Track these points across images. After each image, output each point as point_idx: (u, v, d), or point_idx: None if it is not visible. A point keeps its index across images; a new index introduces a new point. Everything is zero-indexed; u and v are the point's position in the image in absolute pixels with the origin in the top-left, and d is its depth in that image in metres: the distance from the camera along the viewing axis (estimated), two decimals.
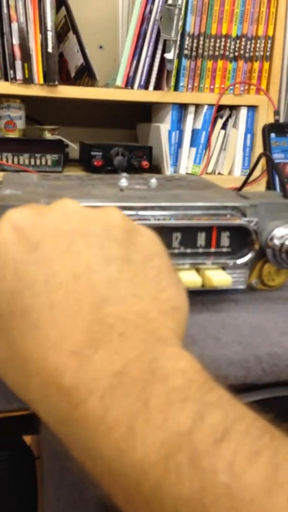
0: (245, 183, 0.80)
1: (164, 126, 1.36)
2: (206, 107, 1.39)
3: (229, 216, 0.41)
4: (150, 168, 1.35)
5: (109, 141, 1.43)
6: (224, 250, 0.41)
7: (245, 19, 1.36)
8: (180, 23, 1.31)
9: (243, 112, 1.42)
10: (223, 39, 1.37)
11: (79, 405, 0.22)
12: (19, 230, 0.27)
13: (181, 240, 0.41)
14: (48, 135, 1.37)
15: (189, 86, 1.39)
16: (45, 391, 0.23)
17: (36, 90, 1.29)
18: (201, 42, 1.36)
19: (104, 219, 0.28)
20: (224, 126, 1.44)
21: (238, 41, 1.38)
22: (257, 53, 1.40)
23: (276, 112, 0.72)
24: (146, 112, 1.58)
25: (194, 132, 1.43)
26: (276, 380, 0.34)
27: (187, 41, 1.35)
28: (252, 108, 1.42)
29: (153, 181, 0.53)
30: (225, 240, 0.41)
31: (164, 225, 0.40)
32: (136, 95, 1.35)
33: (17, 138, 1.35)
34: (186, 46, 1.35)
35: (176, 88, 1.38)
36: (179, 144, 1.43)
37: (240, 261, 0.41)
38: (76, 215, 0.28)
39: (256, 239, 0.41)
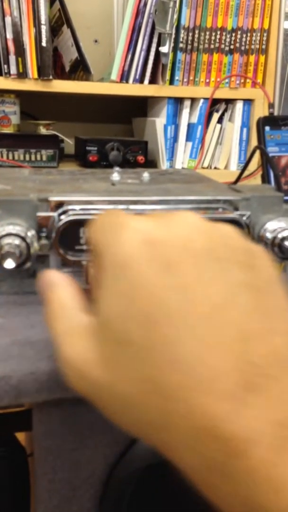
0: (240, 176, 0.80)
1: (160, 121, 1.36)
2: (202, 101, 1.38)
3: (221, 210, 0.41)
4: (146, 163, 1.34)
5: (104, 136, 1.42)
6: None
7: (240, 11, 1.35)
8: (175, 16, 1.30)
9: (239, 106, 1.42)
10: (218, 32, 1.36)
11: (240, 456, 0.20)
12: (152, 245, 0.24)
13: None
14: (43, 130, 1.36)
15: (185, 79, 1.38)
16: (195, 436, 0.21)
17: (30, 85, 1.28)
18: (196, 35, 1.35)
19: (225, 237, 0.26)
20: (220, 120, 1.43)
21: (233, 34, 1.37)
22: (252, 46, 1.39)
23: (271, 105, 0.71)
24: (141, 107, 1.57)
25: (190, 126, 1.42)
26: None
27: (182, 34, 1.34)
28: (248, 102, 1.42)
29: (146, 175, 0.52)
30: None
31: None
32: (131, 89, 1.34)
33: (12, 133, 1.34)
34: (181, 40, 1.34)
35: (171, 82, 1.37)
36: (175, 138, 1.42)
37: None
38: (200, 231, 0.25)
39: (248, 233, 0.41)
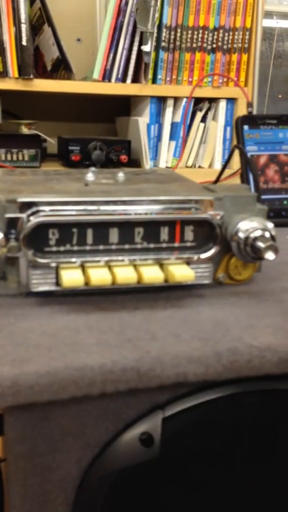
0: (219, 176, 0.80)
1: (143, 120, 1.35)
2: (185, 100, 1.38)
3: (193, 210, 0.40)
4: (129, 162, 1.33)
5: (87, 136, 1.41)
6: (189, 244, 0.41)
7: (222, 10, 1.35)
8: (157, 15, 1.29)
9: (222, 104, 1.42)
10: (200, 31, 1.36)
11: None
12: None
13: (144, 235, 0.40)
14: (25, 130, 1.35)
15: (167, 78, 1.37)
16: None
17: (11, 84, 1.27)
18: (178, 34, 1.34)
19: None
20: (203, 119, 1.43)
21: (215, 33, 1.37)
22: (235, 45, 1.39)
23: (249, 104, 0.71)
24: (125, 106, 1.56)
25: (174, 125, 1.42)
26: (236, 376, 0.33)
27: (164, 33, 1.33)
28: (231, 101, 1.42)
29: (120, 175, 0.52)
30: (189, 234, 0.41)
31: (125, 220, 0.39)
32: (113, 88, 1.34)
33: None
34: (163, 38, 1.34)
35: (154, 81, 1.37)
36: (159, 137, 1.42)
37: (204, 255, 0.40)
38: None
39: (220, 233, 0.40)
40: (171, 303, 0.40)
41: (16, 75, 1.26)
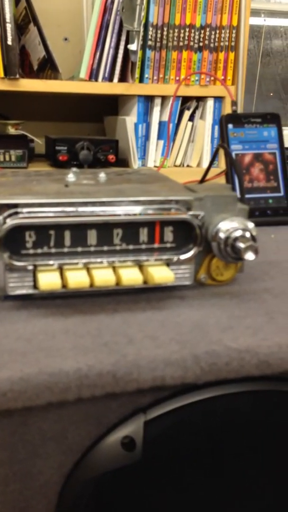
0: (205, 175, 0.79)
1: (130, 119, 1.35)
2: (172, 98, 1.38)
3: (173, 211, 0.40)
4: (117, 161, 1.33)
5: (75, 135, 1.40)
6: (168, 245, 0.40)
7: (208, 8, 1.35)
8: (143, 14, 1.29)
9: (210, 103, 1.41)
10: (187, 29, 1.35)
11: None
12: None
13: (123, 236, 0.39)
14: (11, 130, 1.34)
15: (155, 77, 1.37)
16: None
17: None
18: (165, 33, 1.34)
19: None
20: (191, 118, 1.42)
21: (202, 31, 1.36)
22: (222, 43, 1.39)
23: (234, 103, 0.71)
24: (113, 105, 1.56)
25: (161, 124, 1.41)
26: (215, 379, 0.33)
27: (151, 31, 1.33)
28: (219, 99, 1.41)
29: (102, 175, 0.51)
30: (168, 235, 0.40)
31: (103, 221, 0.38)
32: (100, 87, 1.33)
33: None
34: (149, 37, 1.33)
35: (141, 80, 1.36)
36: (147, 136, 1.42)
37: (183, 256, 0.40)
38: None
39: (200, 234, 0.40)
40: (151, 305, 0.39)
41: (2, 75, 1.25)
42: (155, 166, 1.42)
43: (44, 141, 1.43)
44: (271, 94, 2.01)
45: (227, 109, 1.40)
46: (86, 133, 1.62)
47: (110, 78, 1.34)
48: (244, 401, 0.37)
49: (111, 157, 1.30)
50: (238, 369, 0.32)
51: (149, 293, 0.41)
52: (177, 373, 0.31)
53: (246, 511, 0.42)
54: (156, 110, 1.39)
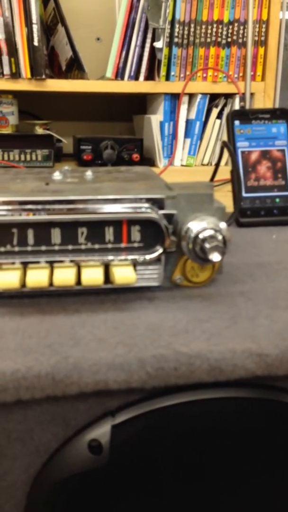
0: (214, 174, 0.77)
1: (155, 117, 1.33)
2: (199, 96, 1.36)
3: (143, 210, 0.39)
4: (142, 160, 1.32)
5: (105, 135, 1.41)
6: (136, 245, 0.39)
7: (237, 3, 1.32)
8: (168, 11, 1.27)
9: (239, 100, 1.38)
10: (215, 25, 1.33)
11: None
12: None
13: (88, 235, 0.38)
14: (39, 130, 1.36)
15: (181, 75, 1.35)
16: None
17: (24, 85, 1.28)
18: (192, 29, 1.32)
19: None
20: (219, 115, 1.40)
21: (230, 27, 1.34)
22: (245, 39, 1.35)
23: (242, 98, 0.68)
24: (142, 104, 1.55)
25: (189, 122, 1.39)
26: (165, 384, 0.31)
27: (177, 28, 1.31)
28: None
29: (88, 173, 0.51)
30: (136, 234, 0.39)
31: (66, 220, 0.38)
32: (126, 86, 1.33)
33: (7, 133, 1.34)
34: (176, 34, 1.31)
35: (167, 77, 1.35)
36: (174, 135, 1.40)
37: (149, 256, 0.38)
38: None
39: (167, 233, 0.39)
40: (116, 306, 0.38)
41: (29, 75, 1.26)
42: (181, 165, 1.41)
43: (71, 141, 1.44)
44: None
45: (257, 106, 1.37)
46: (116, 132, 1.62)
47: (136, 77, 1.33)
48: (218, 407, 0.36)
49: (135, 156, 1.29)
50: (188, 374, 0.31)
51: (119, 294, 0.40)
52: (120, 377, 0.30)
53: None
54: (183, 108, 1.37)
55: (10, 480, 0.39)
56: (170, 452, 0.37)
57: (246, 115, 0.68)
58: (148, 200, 0.39)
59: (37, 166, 1.30)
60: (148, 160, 1.36)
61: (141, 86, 1.33)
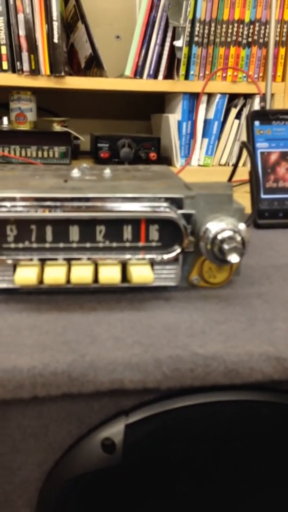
0: (232, 174, 0.77)
1: (173, 117, 1.33)
2: (218, 96, 1.35)
3: (162, 209, 0.38)
4: (159, 159, 1.32)
5: (123, 133, 1.40)
6: (154, 244, 0.39)
7: (258, 3, 1.31)
8: (189, 9, 1.27)
9: (258, 100, 1.37)
10: (235, 25, 1.32)
11: None
12: None
13: (106, 233, 0.38)
14: (57, 127, 1.36)
15: (201, 74, 1.34)
16: None
17: (43, 82, 1.28)
18: (212, 29, 1.31)
19: None
20: (238, 116, 1.39)
21: (251, 26, 1.33)
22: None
23: (262, 99, 0.68)
24: (160, 103, 1.55)
25: (207, 122, 1.39)
26: (180, 385, 0.31)
27: (198, 27, 1.31)
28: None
29: (107, 171, 0.51)
30: (154, 234, 0.39)
31: (85, 217, 0.37)
32: (145, 85, 1.32)
33: (25, 130, 1.34)
34: (196, 33, 1.31)
35: (186, 77, 1.34)
36: (192, 135, 1.39)
37: (167, 256, 0.38)
38: None
39: (185, 233, 0.38)
40: (132, 305, 0.38)
41: (48, 72, 1.27)
42: (198, 165, 1.40)
43: (88, 138, 1.45)
44: None
45: (277, 106, 1.35)
46: (133, 131, 1.62)
47: (155, 76, 1.33)
48: (232, 410, 0.36)
49: (153, 155, 1.29)
50: (203, 376, 0.31)
51: (136, 293, 0.40)
52: (136, 377, 0.30)
53: None
54: (202, 107, 1.37)
55: (24, 475, 0.39)
56: (183, 453, 0.37)
57: (266, 116, 0.67)
58: (167, 199, 0.39)
59: (54, 163, 1.30)
60: (165, 159, 1.36)
61: (160, 85, 1.33)
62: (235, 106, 1.38)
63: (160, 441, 0.37)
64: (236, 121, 1.38)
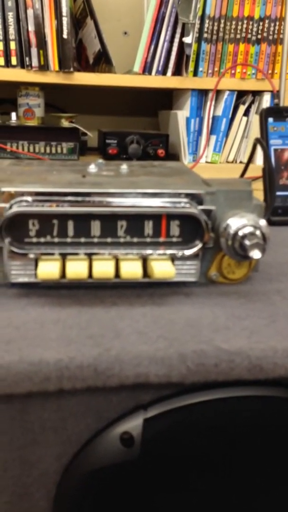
0: (245, 170, 0.77)
1: (182, 113, 1.33)
2: (227, 93, 1.35)
3: (182, 204, 0.39)
4: (167, 156, 1.32)
5: (126, 129, 1.40)
6: (174, 240, 0.39)
7: (268, 0, 1.30)
8: (199, 6, 1.27)
9: (267, 97, 1.37)
10: (245, 21, 1.32)
11: None
12: None
13: (127, 228, 0.38)
14: (65, 123, 1.36)
15: (209, 71, 1.34)
16: None
17: (52, 77, 1.28)
18: (221, 25, 1.31)
19: None
20: (246, 113, 1.39)
21: (261, 23, 1.32)
22: (281, 36, 1.34)
23: (276, 95, 0.68)
24: (168, 99, 1.54)
25: (215, 119, 1.39)
26: (204, 380, 0.31)
27: (207, 24, 1.30)
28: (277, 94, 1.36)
29: (124, 167, 0.51)
30: (175, 229, 0.39)
31: (106, 212, 0.38)
32: (153, 81, 1.32)
33: (33, 126, 1.34)
34: (205, 30, 1.31)
35: (195, 73, 1.34)
36: (200, 131, 1.39)
37: (188, 252, 0.38)
38: None
39: (206, 229, 0.38)
40: (153, 300, 0.38)
41: (57, 68, 1.27)
42: (206, 162, 1.40)
43: (96, 134, 1.45)
44: None
45: (286, 103, 1.35)
46: (141, 127, 1.62)
47: (164, 72, 1.33)
48: (252, 405, 0.36)
49: (161, 152, 1.29)
50: (227, 371, 0.31)
51: (156, 288, 0.40)
52: (161, 371, 0.30)
53: None
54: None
55: (42, 468, 0.39)
56: (201, 448, 0.37)
57: (280, 113, 0.67)
58: (187, 195, 0.39)
59: (62, 159, 1.30)
60: (173, 156, 1.36)
61: (169, 81, 1.33)
62: (244, 103, 1.38)
63: (178, 435, 0.37)
64: (244, 118, 1.38)
